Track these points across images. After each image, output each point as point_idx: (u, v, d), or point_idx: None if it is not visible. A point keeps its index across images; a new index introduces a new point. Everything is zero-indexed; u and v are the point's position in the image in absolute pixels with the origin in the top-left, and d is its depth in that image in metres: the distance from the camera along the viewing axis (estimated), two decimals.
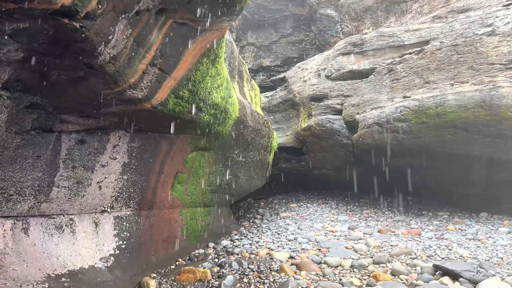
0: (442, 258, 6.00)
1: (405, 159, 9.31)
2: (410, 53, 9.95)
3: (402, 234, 7.79)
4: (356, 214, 10.02)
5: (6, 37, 2.55)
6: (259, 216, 10.27)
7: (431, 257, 6.12)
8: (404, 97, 9.12)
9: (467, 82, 8.34)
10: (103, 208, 5.75)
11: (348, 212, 10.26)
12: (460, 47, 8.87)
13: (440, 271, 5.23)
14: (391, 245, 6.95)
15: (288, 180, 12.65)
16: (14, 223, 4.66)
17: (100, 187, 5.48)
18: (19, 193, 4.51)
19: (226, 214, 8.97)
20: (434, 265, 5.40)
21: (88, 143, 5.09)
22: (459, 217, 9.09)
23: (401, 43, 10.54)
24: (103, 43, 3.09)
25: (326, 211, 10.30)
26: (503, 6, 9.17)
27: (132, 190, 6.07)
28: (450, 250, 6.43)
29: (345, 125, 10.51)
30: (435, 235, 7.59)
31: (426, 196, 10.73)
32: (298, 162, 12.31)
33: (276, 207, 11.24)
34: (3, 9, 2.15)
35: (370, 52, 11.08)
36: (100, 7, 2.71)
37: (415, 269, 5.54)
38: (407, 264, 5.82)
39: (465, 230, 7.86)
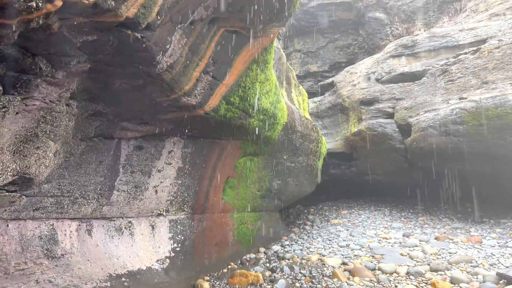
0: (507, 267, 5.63)
1: (463, 163, 8.86)
2: (466, 53, 9.50)
3: (461, 241, 7.41)
4: (411, 221, 9.66)
5: (76, 49, 2.77)
6: (309, 223, 10.20)
7: (493, 266, 5.77)
8: (460, 98, 8.72)
9: None
10: (159, 212, 5.99)
11: (402, 219, 9.92)
12: None
13: (505, 279, 4.92)
14: (450, 253, 6.64)
15: (338, 187, 12.46)
16: (79, 225, 4.98)
17: (156, 191, 5.72)
18: (83, 196, 4.82)
19: (276, 220, 9.00)
20: (498, 274, 5.09)
21: (145, 149, 5.34)
22: None
23: (455, 43, 10.10)
24: (161, 52, 3.26)
25: (379, 218, 10.02)
26: None
27: (186, 194, 6.27)
28: None
29: (397, 129, 10.20)
30: (498, 243, 7.14)
31: (487, 202, 10.11)
32: (348, 168, 12.10)
33: (326, 213, 11.10)
34: (75, 23, 2.35)
35: (422, 54, 10.72)
36: (159, 18, 2.87)
37: (477, 278, 5.26)
38: (467, 272, 5.53)
39: None
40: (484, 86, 8.49)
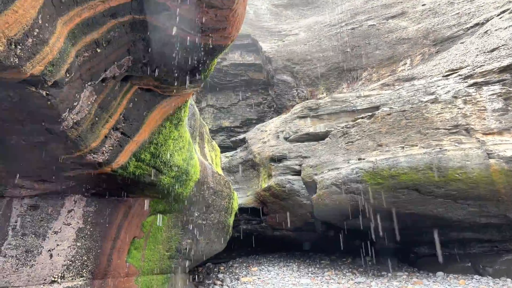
0: None
1: (363, 219, 9.50)
2: (363, 118, 10.54)
3: None
4: (317, 276, 9.90)
5: None
6: (219, 282, 9.88)
7: None
8: (359, 159, 9.51)
9: (416, 146, 8.88)
10: (53, 279, 5.34)
11: (309, 274, 10.12)
12: (408, 113, 9.54)
13: None
14: None
15: (249, 242, 12.43)
16: None
17: (51, 256, 5.13)
18: None
19: (185, 281, 8.56)
20: None
21: (41, 208, 4.84)
22: (417, 277, 9.21)
23: (353, 108, 11.18)
24: (68, 109, 3.08)
25: (287, 274, 10.10)
26: (443, 76, 10.11)
27: (85, 258, 5.71)
28: None
29: (304, 186, 10.69)
30: None
31: (385, 256, 10.85)
32: (258, 223, 12.20)
33: (237, 271, 10.90)
34: None
35: (325, 116, 11.64)
36: (68, 75, 2.73)
37: None
38: None
39: None
40: (379, 148, 9.41)
